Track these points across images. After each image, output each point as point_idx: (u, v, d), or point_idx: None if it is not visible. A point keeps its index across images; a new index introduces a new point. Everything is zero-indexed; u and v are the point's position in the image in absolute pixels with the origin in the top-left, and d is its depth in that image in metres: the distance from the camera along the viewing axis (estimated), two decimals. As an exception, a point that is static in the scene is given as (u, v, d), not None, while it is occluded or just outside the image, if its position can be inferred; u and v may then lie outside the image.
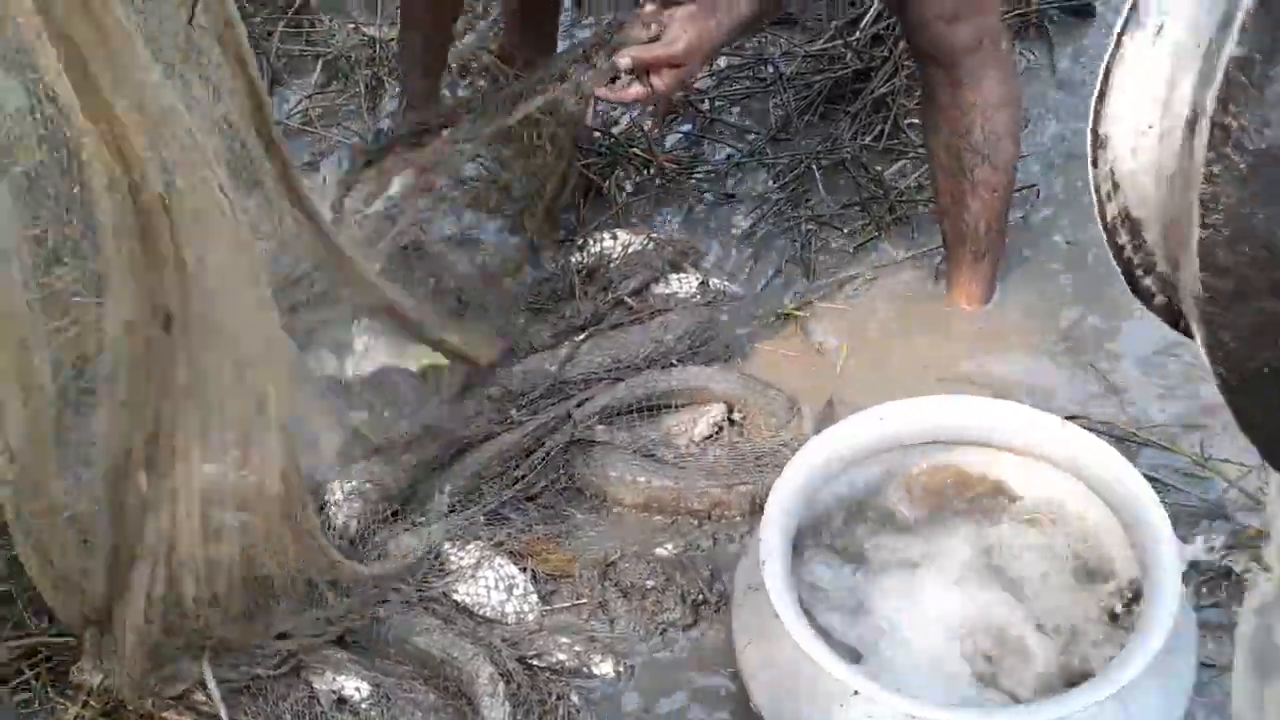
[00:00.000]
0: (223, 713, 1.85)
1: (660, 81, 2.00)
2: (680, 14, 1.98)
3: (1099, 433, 2.07)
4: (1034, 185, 2.59)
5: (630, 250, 2.44)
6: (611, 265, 2.42)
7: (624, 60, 1.98)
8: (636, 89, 2.00)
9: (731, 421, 2.25)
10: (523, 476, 2.13)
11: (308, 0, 3.10)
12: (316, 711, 1.92)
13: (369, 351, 2.20)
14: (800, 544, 1.95)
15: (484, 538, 2.07)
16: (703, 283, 2.45)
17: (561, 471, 2.16)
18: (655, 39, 1.99)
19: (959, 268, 2.38)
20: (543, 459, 2.15)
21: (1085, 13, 3.00)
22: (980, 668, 1.87)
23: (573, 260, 2.43)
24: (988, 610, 1.93)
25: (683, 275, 2.45)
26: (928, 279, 2.47)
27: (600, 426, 2.19)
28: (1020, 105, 2.31)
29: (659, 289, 2.42)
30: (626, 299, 2.37)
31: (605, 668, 1.94)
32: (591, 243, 2.43)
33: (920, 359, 2.35)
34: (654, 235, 2.49)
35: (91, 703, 1.88)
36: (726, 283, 2.48)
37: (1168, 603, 1.72)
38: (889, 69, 2.76)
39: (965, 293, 2.39)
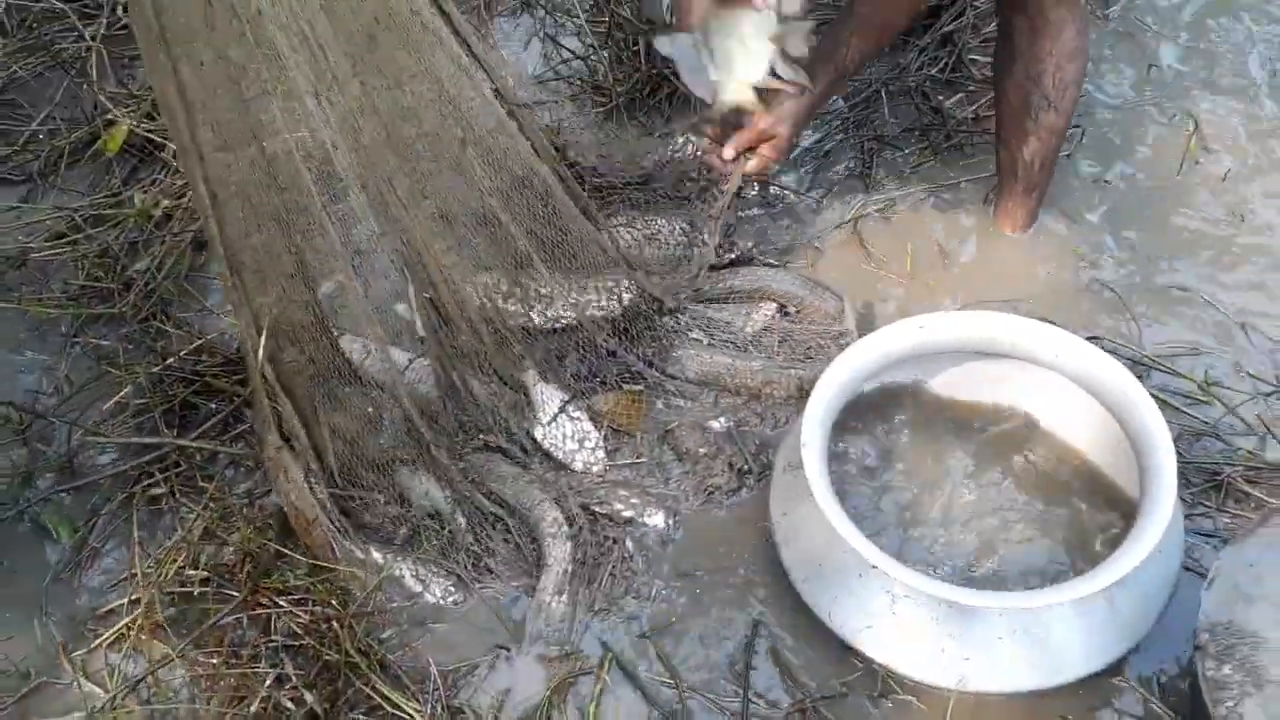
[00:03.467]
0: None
1: (764, 152, 2.29)
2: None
3: (1114, 353, 2.23)
4: (1078, 126, 2.76)
5: (702, 154, 2.62)
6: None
7: (729, 152, 2.28)
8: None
9: (785, 314, 2.44)
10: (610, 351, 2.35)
11: None
12: (411, 517, 2.17)
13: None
14: (838, 424, 2.14)
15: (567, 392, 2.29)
16: (764, 186, 2.65)
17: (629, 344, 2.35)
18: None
19: (1009, 198, 2.54)
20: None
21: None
22: (985, 558, 2.07)
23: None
24: (999, 507, 2.12)
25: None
26: (976, 203, 2.65)
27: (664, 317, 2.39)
28: (1087, 56, 2.38)
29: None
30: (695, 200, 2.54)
31: (657, 519, 2.18)
32: (674, 146, 2.60)
33: (962, 275, 2.54)
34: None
35: (212, 505, 2.14)
36: (790, 189, 2.69)
37: (1164, 506, 1.87)
38: (958, 8, 2.93)
39: (1010, 220, 2.57)
